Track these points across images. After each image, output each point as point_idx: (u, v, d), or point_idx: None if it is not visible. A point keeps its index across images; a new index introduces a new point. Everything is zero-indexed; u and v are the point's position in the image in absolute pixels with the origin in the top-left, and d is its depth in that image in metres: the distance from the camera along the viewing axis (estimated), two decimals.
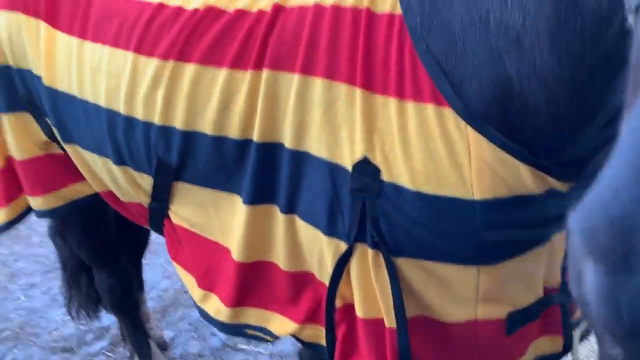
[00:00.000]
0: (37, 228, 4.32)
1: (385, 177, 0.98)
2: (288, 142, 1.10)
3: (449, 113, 0.93)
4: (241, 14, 1.18)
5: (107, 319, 2.86)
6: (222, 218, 1.28)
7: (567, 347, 1.22)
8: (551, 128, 0.90)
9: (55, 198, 1.78)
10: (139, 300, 2.42)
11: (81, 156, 1.62)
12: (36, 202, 1.79)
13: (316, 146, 1.06)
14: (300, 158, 1.09)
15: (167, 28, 1.28)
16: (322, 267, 1.12)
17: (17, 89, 1.69)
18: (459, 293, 1.04)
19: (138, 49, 1.32)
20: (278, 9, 1.13)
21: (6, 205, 1.87)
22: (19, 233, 4.27)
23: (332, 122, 1.04)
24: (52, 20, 1.52)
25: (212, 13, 1.22)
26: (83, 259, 2.17)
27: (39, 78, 1.60)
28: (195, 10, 1.25)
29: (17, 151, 1.75)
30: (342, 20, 1.04)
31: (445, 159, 0.94)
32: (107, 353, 2.70)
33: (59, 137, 1.66)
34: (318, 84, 1.05)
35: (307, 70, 1.07)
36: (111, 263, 2.16)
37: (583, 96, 0.83)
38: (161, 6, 1.32)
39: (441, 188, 0.95)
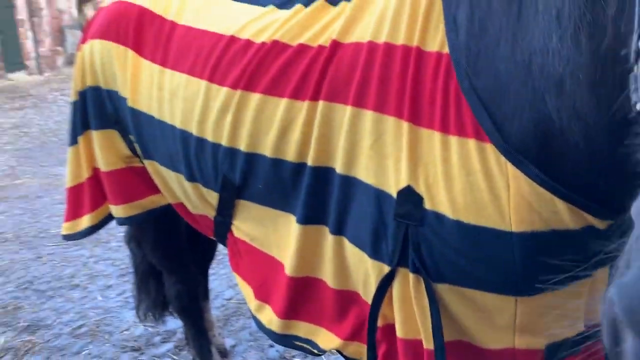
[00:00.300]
0: (116, 233, 4.62)
1: (427, 205, 1.03)
2: (339, 167, 1.18)
3: (490, 148, 0.98)
4: (303, 48, 1.29)
5: (174, 323, 3.02)
6: (278, 234, 1.37)
7: None
8: (588, 166, 0.92)
9: (133, 207, 1.94)
10: (203, 308, 2.54)
11: (158, 171, 1.77)
12: (117, 210, 1.96)
13: (364, 173, 1.13)
14: (349, 183, 1.16)
15: (237, 60, 1.40)
16: (367, 288, 1.18)
17: (106, 108, 1.88)
18: (496, 321, 1.06)
19: (211, 78, 1.45)
20: (335, 46, 1.22)
21: (91, 212, 2.06)
22: (99, 237, 4.59)
23: (380, 151, 1.10)
24: (138, 49, 1.70)
25: (278, 47, 1.33)
26: (155, 264, 2.32)
27: (124, 99, 1.77)
28: (263, 44, 1.37)
29: (102, 163, 1.94)
30: (393, 57, 1.11)
31: (485, 192, 0.98)
32: (172, 356, 2.85)
33: (139, 153, 1.83)
34: (368, 116, 1.12)
35: (359, 103, 1.14)
36: (181, 270, 2.30)
37: (622, 138, 0.85)
38: (233, 39, 1.44)
39: (480, 219, 0.99)
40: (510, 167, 0.96)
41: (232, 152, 1.39)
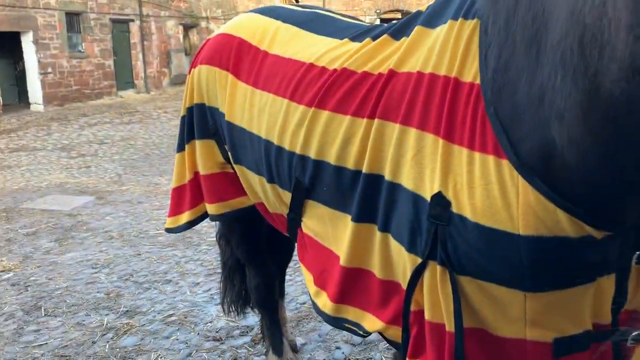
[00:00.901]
0: (206, 238, 5.06)
1: (454, 208, 1.21)
2: (387, 175, 1.38)
3: (505, 164, 1.15)
4: (366, 75, 1.53)
5: (252, 319, 3.32)
6: (336, 231, 1.59)
7: None
8: (585, 183, 1.07)
9: (224, 206, 2.26)
10: (279, 303, 2.82)
11: (245, 174, 2.07)
12: (211, 208, 2.29)
13: (406, 180, 1.33)
14: (394, 188, 1.36)
15: (313, 83, 1.67)
16: (405, 277, 1.36)
17: (208, 122, 2.22)
18: (509, 313, 1.21)
19: (292, 98, 1.73)
20: (392, 74, 1.45)
21: (190, 209, 2.40)
22: (192, 240, 5.05)
23: (419, 162, 1.30)
24: (236, 73, 2.03)
25: (346, 73, 1.58)
26: (239, 256, 2.63)
27: (222, 114, 2.10)
28: (334, 70, 1.62)
29: (202, 168, 2.27)
30: (435, 85, 1.32)
31: (499, 199, 1.14)
32: (248, 348, 3.14)
33: (231, 159, 2.14)
34: (413, 132, 1.33)
35: (406, 122, 1.35)
36: (260, 265, 2.60)
37: (614, 161, 0.99)
38: (311, 66, 1.73)
39: (494, 222, 1.15)
40: (521, 180, 1.13)
41: (303, 159, 1.64)
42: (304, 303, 3.65)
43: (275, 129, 1.77)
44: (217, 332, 3.33)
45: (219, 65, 2.09)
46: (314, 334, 3.26)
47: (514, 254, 1.15)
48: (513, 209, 1.14)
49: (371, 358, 2.99)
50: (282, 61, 1.86)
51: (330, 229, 1.63)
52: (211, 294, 3.85)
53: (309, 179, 1.64)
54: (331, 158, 1.55)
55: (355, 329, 1.54)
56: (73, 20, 18.45)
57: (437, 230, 1.25)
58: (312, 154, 1.61)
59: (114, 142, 11.14)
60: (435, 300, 1.28)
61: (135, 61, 21.16)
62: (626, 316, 1.28)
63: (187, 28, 24.48)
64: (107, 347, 3.20)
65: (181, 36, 24.08)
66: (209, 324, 3.43)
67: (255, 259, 2.57)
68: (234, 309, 2.92)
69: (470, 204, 1.19)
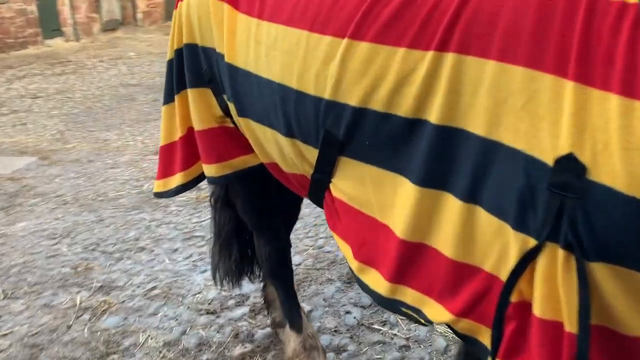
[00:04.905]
0: (175, 198, 4.61)
1: (593, 177, 0.88)
2: (477, 129, 1.03)
3: None
4: None
5: (247, 287, 3.00)
6: (382, 195, 1.26)
7: None
8: None
9: (225, 167, 1.89)
10: (292, 270, 2.48)
11: (252, 129, 1.68)
12: (209, 169, 1.91)
13: (511, 137, 0.99)
14: (490, 147, 1.02)
15: (340, 6, 1.28)
16: (501, 261, 1.04)
17: (202, 66, 1.82)
18: None
19: (311, 28, 1.33)
20: None
21: (183, 171, 2.02)
22: (158, 202, 4.59)
23: (533, 113, 0.95)
24: (235, 2, 1.62)
25: None
26: (247, 222, 2.26)
27: (221, 55, 1.69)
28: None
29: (197, 122, 1.89)
30: (553, 5, 0.94)
31: None
32: (249, 320, 2.82)
33: (234, 111, 1.74)
34: (518, 72, 0.97)
35: (505, 57, 0.98)
36: (271, 230, 2.26)
37: None
38: None
39: None
40: None
41: (336, 106, 1.28)
42: (299, 264, 3.35)
43: (292, 70, 1.39)
44: (209, 304, 2.99)
45: None
46: (318, 298, 2.98)
47: None
48: None
49: (385, 320, 2.75)
50: None
51: (373, 192, 1.29)
52: (193, 261, 3.48)
53: (345, 131, 1.28)
54: (377, 104, 1.19)
55: (414, 314, 1.24)
56: None
57: (562, 204, 0.93)
58: (348, 99, 1.25)
59: (50, 96, 10.20)
60: (550, 293, 0.97)
61: (62, 6, 19.44)
62: None
63: None
64: (85, 330, 2.81)
65: None
66: (198, 295, 3.09)
67: (266, 224, 2.22)
68: (228, 280, 2.59)
69: (625, 173, 0.85)
